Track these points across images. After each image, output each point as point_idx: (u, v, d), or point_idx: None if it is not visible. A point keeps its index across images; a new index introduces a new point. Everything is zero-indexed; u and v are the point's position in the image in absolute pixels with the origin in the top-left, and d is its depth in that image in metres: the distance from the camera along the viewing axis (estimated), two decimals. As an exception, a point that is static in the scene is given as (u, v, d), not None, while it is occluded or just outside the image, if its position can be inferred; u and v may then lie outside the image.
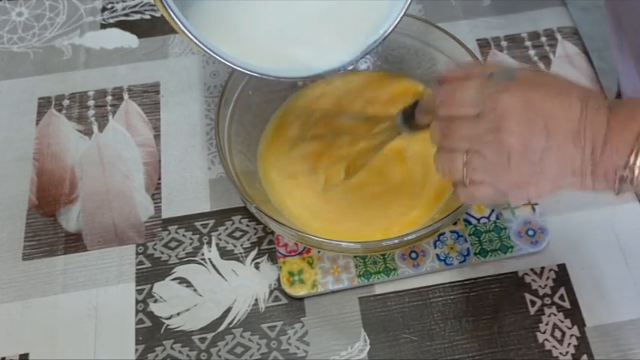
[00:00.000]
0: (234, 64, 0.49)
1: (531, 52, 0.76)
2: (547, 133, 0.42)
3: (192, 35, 0.46)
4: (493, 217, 0.64)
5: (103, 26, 0.80)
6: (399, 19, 0.54)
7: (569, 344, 0.58)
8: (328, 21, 0.54)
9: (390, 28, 0.55)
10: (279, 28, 0.53)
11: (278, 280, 0.62)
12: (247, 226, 0.66)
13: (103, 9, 0.82)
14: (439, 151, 0.48)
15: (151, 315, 0.61)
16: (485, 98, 0.44)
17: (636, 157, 0.40)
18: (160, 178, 0.69)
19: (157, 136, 0.72)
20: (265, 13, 0.52)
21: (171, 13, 0.44)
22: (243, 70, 0.50)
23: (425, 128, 0.50)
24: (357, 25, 0.55)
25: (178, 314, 0.61)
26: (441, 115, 0.47)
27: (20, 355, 0.59)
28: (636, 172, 0.41)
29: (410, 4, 0.54)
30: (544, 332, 0.59)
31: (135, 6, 0.82)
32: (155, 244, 0.65)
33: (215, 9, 0.52)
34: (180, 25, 0.45)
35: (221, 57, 0.48)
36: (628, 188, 0.42)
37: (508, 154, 0.43)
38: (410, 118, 0.52)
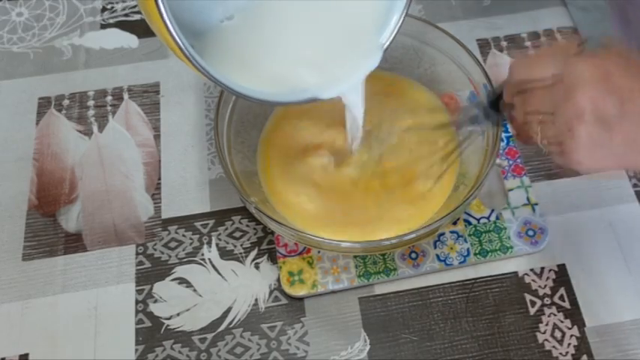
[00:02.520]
0: (242, 93, 0.49)
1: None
2: (621, 106, 0.42)
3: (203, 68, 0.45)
4: (493, 217, 0.64)
5: (103, 26, 0.80)
6: (400, 22, 0.55)
7: (569, 344, 0.58)
8: (333, 44, 0.54)
9: (393, 34, 0.55)
10: (288, 54, 0.53)
11: (278, 280, 0.62)
12: (247, 226, 0.66)
13: (103, 9, 0.82)
14: (525, 119, 0.49)
15: (150, 315, 0.61)
16: (564, 63, 0.44)
17: None
18: (160, 178, 0.69)
19: (157, 136, 0.72)
20: (273, 40, 0.53)
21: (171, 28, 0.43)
22: (253, 98, 0.50)
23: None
24: (357, 47, 0.55)
25: (178, 314, 0.61)
26: (518, 81, 0.47)
27: (20, 355, 0.59)
28: None
29: (407, 12, 0.54)
30: (544, 332, 0.59)
31: (135, 6, 0.82)
32: (155, 244, 0.65)
33: (226, 41, 0.52)
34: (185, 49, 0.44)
35: (230, 86, 0.48)
36: None
37: (578, 119, 0.43)
38: (495, 108, 0.53)
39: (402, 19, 0.55)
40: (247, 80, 0.49)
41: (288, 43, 0.53)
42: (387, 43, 0.55)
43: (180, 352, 0.59)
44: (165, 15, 0.41)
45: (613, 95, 0.43)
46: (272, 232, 0.64)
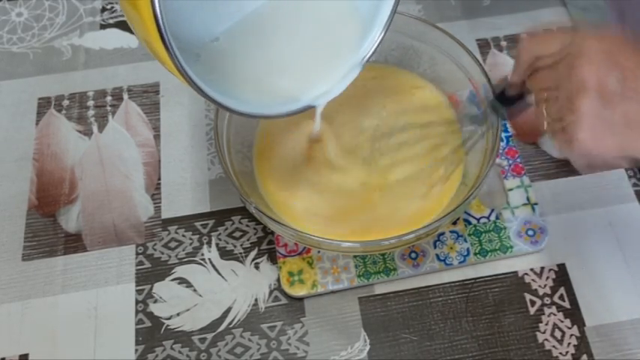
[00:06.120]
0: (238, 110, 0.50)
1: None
2: (622, 83, 0.42)
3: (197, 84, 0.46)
4: (493, 217, 0.64)
5: (103, 26, 0.80)
6: (381, 35, 0.56)
7: (569, 344, 0.58)
8: (319, 53, 0.56)
9: (375, 46, 0.56)
10: (273, 70, 0.54)
11: (278, 280, 0.62)
12: (247, 226, 0.66)
13: (103, 9, 0.82)
14: (536, 99, 0.48)
15: (150, 315, 0.61)
16: (571, 39, 0.44)
17: None
18: (159, 178, 0.69)
19: (157, 137, 0.72)
20: (258, 57, 0.54)
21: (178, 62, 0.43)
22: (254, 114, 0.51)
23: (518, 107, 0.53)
24: (344, 53, 0.56)
25: (178, 314, 0.61)
26: (527, 60, 0.47)
27: (20, 356, 0.59)
28: None
29: (389, 25, 0.55)
30: (544, 332, 0.59)
31: (135, 6, 0.82)
32: (155, 245, 0.65)
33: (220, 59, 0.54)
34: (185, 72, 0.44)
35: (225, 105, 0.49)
36: None
37: (580, 94, 0.43)
38: (504, 101, 0.54)
39: (384, 31, 0.56)
40: (236, 97, 0.50)
41: (273, 59, 0.54)
42: (368, 55, 0.56)
43: (180, 352, 0.59)
44: (165, 35, 0.41)
45: (615, 72, 0.42)
46: (272, 232, 0.64)
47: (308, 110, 0.55)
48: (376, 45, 0.56)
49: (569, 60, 0.44)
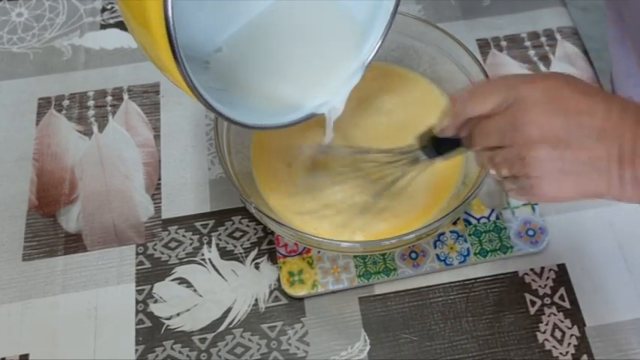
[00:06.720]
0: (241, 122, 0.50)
1: (531, 52, 0.76)
2: (568, 127, 0.41)
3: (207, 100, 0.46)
4: (493, 217, 0.64)
5: (103, 27, 0.80)
6: (381, 40, 0.57)
7: (569, 344, 0.58)
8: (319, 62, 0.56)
9: (375, 50, 0.57)
10: (277, 79, 0.55)
11: (278, 280, 0.62)
12: (247, 226, 0.66)
13: (103, 9, 0.82)
14: (478, 153, 0.48)
15: (151, 315, 0.61)
16: (510, 90, 0.43)
17: None
18: (159, 179, 0.69)
19: (157, 137, 0.72)
20: (261, 67, 0.54)
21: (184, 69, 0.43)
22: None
23: (451, 150, 0.51)
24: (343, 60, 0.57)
25: (178, 314, 0.61)
26: (466, 113, 0.46)
27: (20, 356, 0.59)
28: None
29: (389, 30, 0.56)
30: (544, 332, 0.59)
31: (135, 6, 0.82)
32: (155, 245, 0.65)
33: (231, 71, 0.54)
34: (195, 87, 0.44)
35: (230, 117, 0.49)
36: None
37: (528, 145, 0.42)
38: (433, 144, 0.52)
39: (382, 38, 0.57)
40: (241, 106, 0.51)
41: (274, 68, 0.55)
42: (367, 62, 0.57)
43: (180, 352, 0.59)
44: (178, 55, 0.41)
45: (559, 114, 0.41)
46: (272, 232, 0.64)
47: (312, 119, 0.56)
48: (374, 52, 0.57)
49: (511, 112, 0.42)
